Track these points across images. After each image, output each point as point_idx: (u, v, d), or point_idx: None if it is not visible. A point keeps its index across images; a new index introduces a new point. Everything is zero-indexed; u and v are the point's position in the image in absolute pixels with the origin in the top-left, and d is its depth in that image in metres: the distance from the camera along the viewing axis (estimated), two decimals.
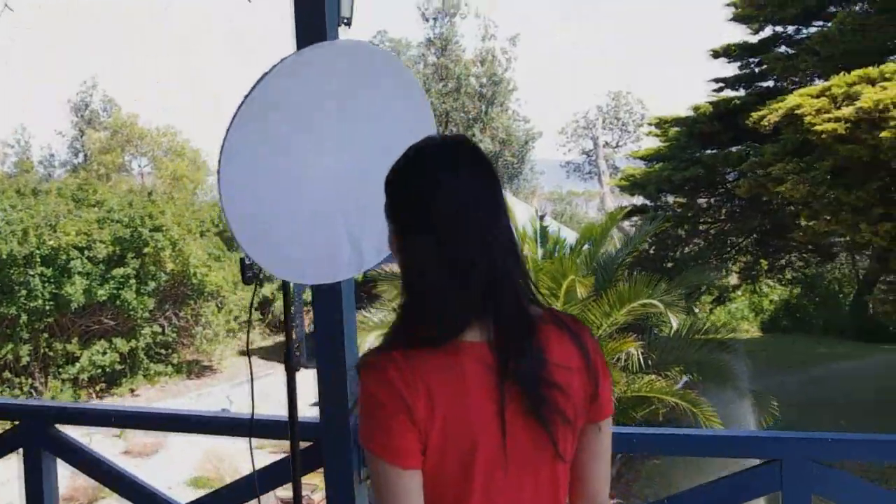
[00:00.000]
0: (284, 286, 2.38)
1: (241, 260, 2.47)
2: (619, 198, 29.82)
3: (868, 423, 13.64)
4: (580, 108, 56.17)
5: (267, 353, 20.57)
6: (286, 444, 2.57)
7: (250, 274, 2.47)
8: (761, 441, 2.77)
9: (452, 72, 30.84)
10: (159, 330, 17.82)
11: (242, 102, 1.84)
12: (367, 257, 2.20)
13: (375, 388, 1.40)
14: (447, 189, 1.46)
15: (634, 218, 19.65)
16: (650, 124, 21.54)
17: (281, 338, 22.43)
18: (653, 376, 10.14)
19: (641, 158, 21.67)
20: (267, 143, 1.94)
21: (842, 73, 10.90)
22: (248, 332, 2.86)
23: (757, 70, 19.37)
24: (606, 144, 40.47)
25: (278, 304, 22.51)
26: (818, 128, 10.35)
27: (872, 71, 10.51)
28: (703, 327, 11.62)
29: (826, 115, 10.39)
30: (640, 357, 10.03)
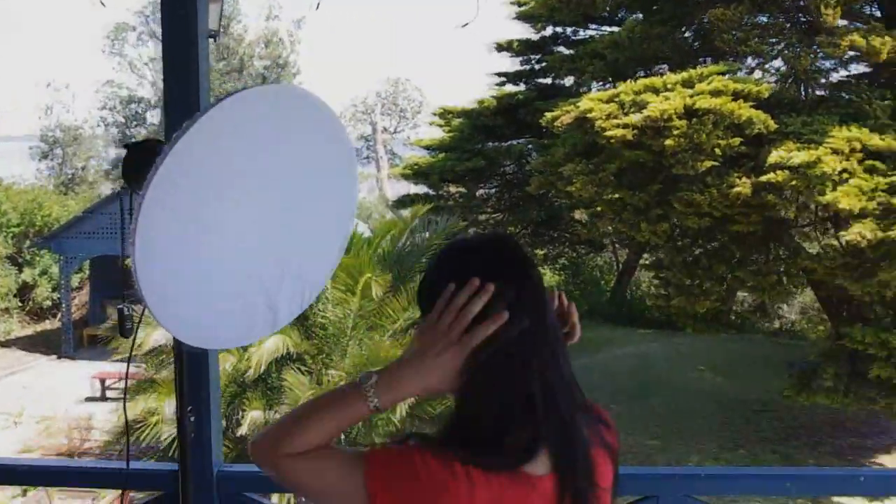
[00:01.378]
0: (177, 347, 2.13)
1: (120, 310, 2.22)
2: (396, 183, 30.11)
3: (635, 405, 14.65)
4: (360, 93, 56.19)
5: (28, 344, 19.11)
6: None
7: (129, 325, 2.23)
8: (639, 478, 2.83)
9: (235, 51, 29.86)
10: None
11: (155, 171, 1.59)
12: (282, 318, 2.02)
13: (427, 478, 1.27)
14: (525, 302, 1.35)
15: (415, 206, 19.93)
16: (435, 114, 21.85)
17: (43, 326, 20.99)
18: None
19: (425, 147, 21.97)
20: (180, 209, 1.70)
21: (629, 81, 11.50)
22: (124, 390, 2.56)
23: (537, 67, 20.13)
24: (385, 130, 40.74)
25: (39, 291, 21.05)
26: (608, 133, 10.88)
27: (657, 81, 11.16)
28: None
29: (615, 121, 10.94)
30: None
